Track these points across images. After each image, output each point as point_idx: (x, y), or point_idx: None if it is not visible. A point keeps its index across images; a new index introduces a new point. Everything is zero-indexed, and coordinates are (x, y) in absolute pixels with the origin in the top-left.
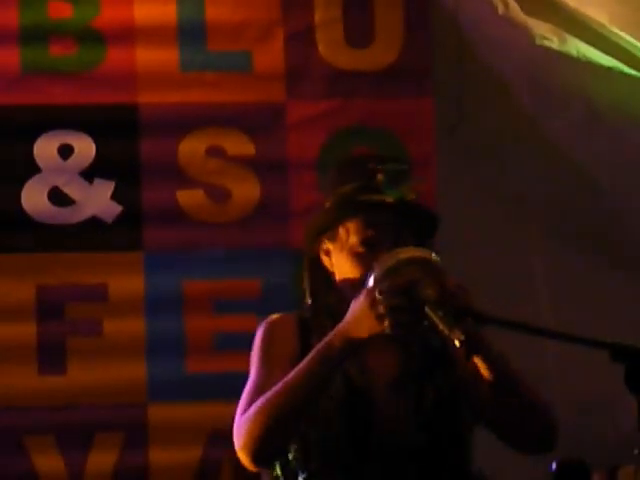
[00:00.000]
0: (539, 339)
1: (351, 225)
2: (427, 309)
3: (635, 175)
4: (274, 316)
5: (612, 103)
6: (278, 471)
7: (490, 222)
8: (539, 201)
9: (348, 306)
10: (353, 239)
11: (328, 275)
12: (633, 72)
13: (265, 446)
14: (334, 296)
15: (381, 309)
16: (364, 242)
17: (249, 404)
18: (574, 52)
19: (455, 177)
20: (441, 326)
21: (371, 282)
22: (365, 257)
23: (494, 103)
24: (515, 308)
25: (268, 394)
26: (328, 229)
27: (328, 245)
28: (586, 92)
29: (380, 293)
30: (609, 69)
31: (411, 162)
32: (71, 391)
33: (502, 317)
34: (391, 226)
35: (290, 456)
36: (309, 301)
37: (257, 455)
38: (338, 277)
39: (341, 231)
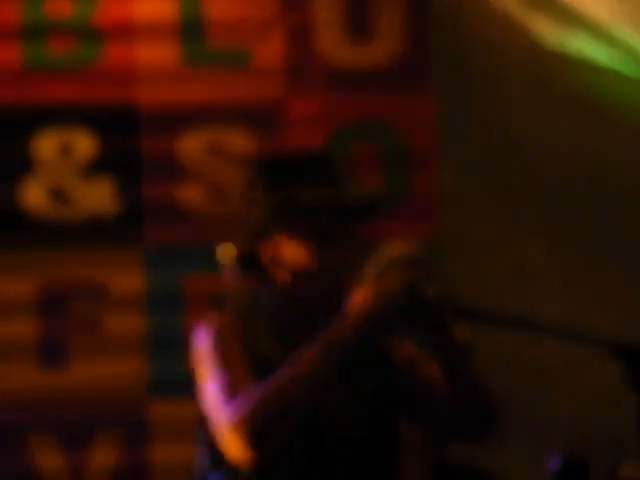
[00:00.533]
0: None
1: (305, 221)
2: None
3: (634, 169)
4: (215, 317)
5: (612, 102)
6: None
7: (491, 215)
8: (538, 196)
9: (305, 299)
10: (311, 235)
11: (263, 271)
12: (632, 69)
13: (267, 438)
14: (269, 291)
15: (389, 303)
16: (321, 239)
17: (227, 406)
18: (573, 50)
19: (456, 171)
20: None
21: (376, 275)
22: (323, 253)
23: (494, 99)
24: (514, 300)
25: (265, 392)
26: (282, 227)
27: (279, 242)
28: (585, 90)
29: (390, 288)
30: (608, 67)
31: (412, 157)
32: (72, 388)
33: (499, 314)
34: (346, 221)
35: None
36: (248, 297)
37: (256, 448)
38: (291, 272)
39: (294, 228)
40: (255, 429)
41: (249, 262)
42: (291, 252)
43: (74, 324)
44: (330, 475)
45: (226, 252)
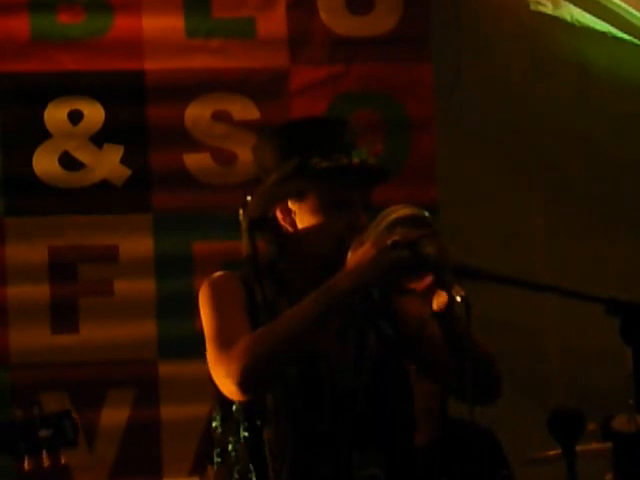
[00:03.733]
0: (537, 294)
1: (321, 187)
2: (434, 263)
3: (628, 136)
4: (218, 273)
5: (606, 67)
6: (218, 422)
7: (490, 181)
8: (538, 163)
9: (313, 260)
10: (325, 201)
11: (280, 234)
12: (626, 36)
13: (258, 375)
14: (283, 253)
15: (389, 258)
16: (337, 204)
17: (223, 347)
18: (568, 17)
19: (455, 139)
20: (447, 280)
21: (379, 233)
22: (339, 218)
23: (491, 68)
24: (515, 265)
25: (263, 330)
26: (298, 192)
27: (292, 206)
28: (580, 56)
29: (390, 243)
30: (602, 34)
31: (411, 124)
32: (84, 349)
33: (500, 273)
34: (359, 187)
35: (234, 407)
36: (252, 258)
37: (248, 383)
38: (305, 235)
39: (310, 193)
40: (247, 367)
41: (263, 225)
42: (304, 217)
43: (85, 287)
44: (331, 424)
45: (241, 215)
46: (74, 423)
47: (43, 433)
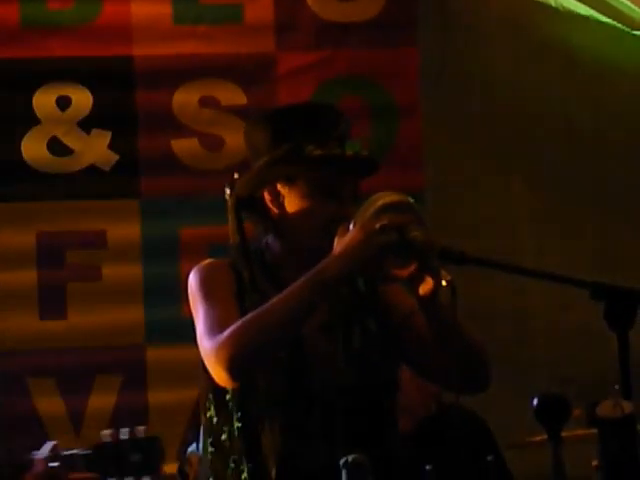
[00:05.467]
0: (521, 278)
1: (313, 175)
2: (420, 248)
3: (613, 120)
4: (207, 261)
5: (589, 51)
6: (212, 411)
7: (474, 166)
8: (522, 147)
9: (300, 245)
10: (315, 188)
11: (267, 215)
12: (609, 21)
13: (247, 360)
14: (270, 236)
15: (377, 242)
16: (326, 192)
17: (214, 334)
18: (552, 1)
19: (439, 124)
20: (433, 265)
21: (367, 218)
22: (326, 206)
23: (476, 53)
24: (499, 249)
25: (251, 316)
26: (289, 176)
27: (281, 189)
28: (564, 40)
29: (378, 227)
30: (586, 18)
31: (397, 110)
32: (71, 335)
33: (485, 257)
34: (349, 178)
35: (227, 396)
36: (240, 242)
37: (237, 368)
38: (293, 220)
39: (301, 179)
40: (237, 353)
41: (249, 205)
42: (292, 201)
43: (73, 272)
44: (320, 418)
45: (227, 194)
46: (162, 450)
47: (134, 458)
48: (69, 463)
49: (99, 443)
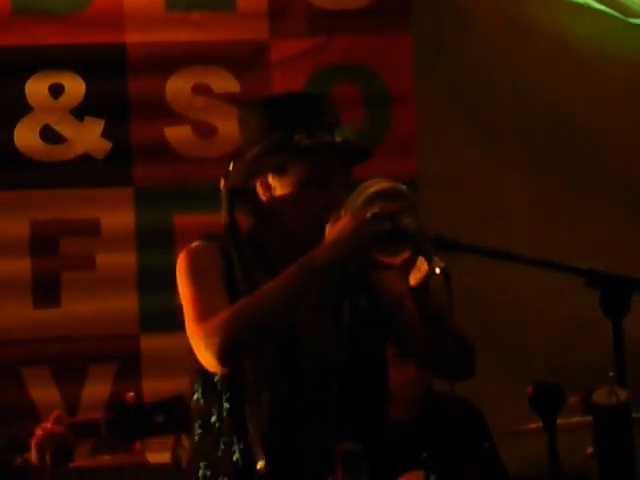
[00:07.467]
0: (516, 267)
1: (303, 164)
2: (413, 235)
3: (605, 106)
4: (195, 243)
5: (584, 39)
6: (199, 394)
7: (470, 154)
8: (517, 136)
9: (292, 234)
10: (306, 178)
11: (259, 206)
12: (604, 8)
13: (238, 347)
14: (262, 226)
15: (368, 230)
16: (317, 182)
17: (203, 320)
18: None
19: (435, 112)
20: (426, 252)
21: (358, 206)
22: (318, 195)
23: (470, 40)
24: (495, 237)
25: (242, 302)
26: (279, 167)
27: (272, 181)
28: (558, 28)
29: (370, 216)
30: (580, 6)
31: (391, 97)
32: (65, 323)
33: (480, 246)
34: (340, 165)
35: (216, 378)
36: (231, 229)
37: (228, 355)
38: (284, 210)
39: (291, 169)
40: (227, 340)
41: (242, 196)
42: (283, 192)
43: (67, 261)
44: (311, 398)
45: (222, 184)
46: (186, 409)
47: (158, 419)
48: (76, 430)
49: (121, 406)
